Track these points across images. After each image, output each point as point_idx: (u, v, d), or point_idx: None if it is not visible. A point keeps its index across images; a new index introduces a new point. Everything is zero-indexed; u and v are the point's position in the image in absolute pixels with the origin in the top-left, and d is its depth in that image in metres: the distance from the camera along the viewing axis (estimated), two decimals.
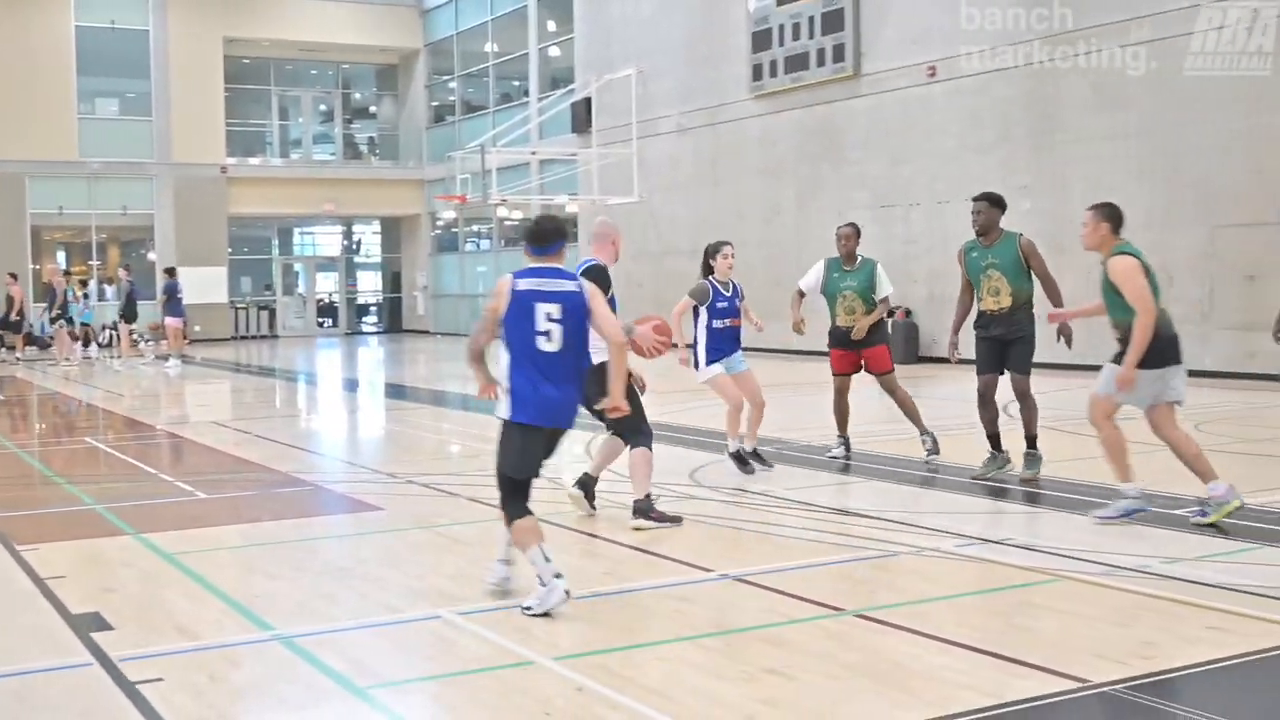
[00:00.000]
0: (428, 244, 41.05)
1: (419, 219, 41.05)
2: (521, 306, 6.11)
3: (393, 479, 10.71)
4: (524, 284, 6.17)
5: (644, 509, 8.25)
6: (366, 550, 7.85)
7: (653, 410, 14.66)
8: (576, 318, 6.15)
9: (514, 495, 6.26)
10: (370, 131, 43.00)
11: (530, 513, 6.24)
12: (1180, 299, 17.55)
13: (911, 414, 10.98)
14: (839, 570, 6.95)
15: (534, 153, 31.85)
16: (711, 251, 10.29)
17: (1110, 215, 8.13)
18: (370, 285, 43.86)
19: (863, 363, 10.99)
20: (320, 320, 41.13)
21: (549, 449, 6.37)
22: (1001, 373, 9.89)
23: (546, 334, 6.11)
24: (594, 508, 8.73)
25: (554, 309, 6.12)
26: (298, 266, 42.15)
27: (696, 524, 8.40)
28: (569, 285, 6.21)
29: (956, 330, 10.10)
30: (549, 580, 6.07)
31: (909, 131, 23.00)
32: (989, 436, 10.03)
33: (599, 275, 7.93)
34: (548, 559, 6.08)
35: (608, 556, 7.50)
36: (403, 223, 42.01)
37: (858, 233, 11.13)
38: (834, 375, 11.20)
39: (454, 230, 40.26)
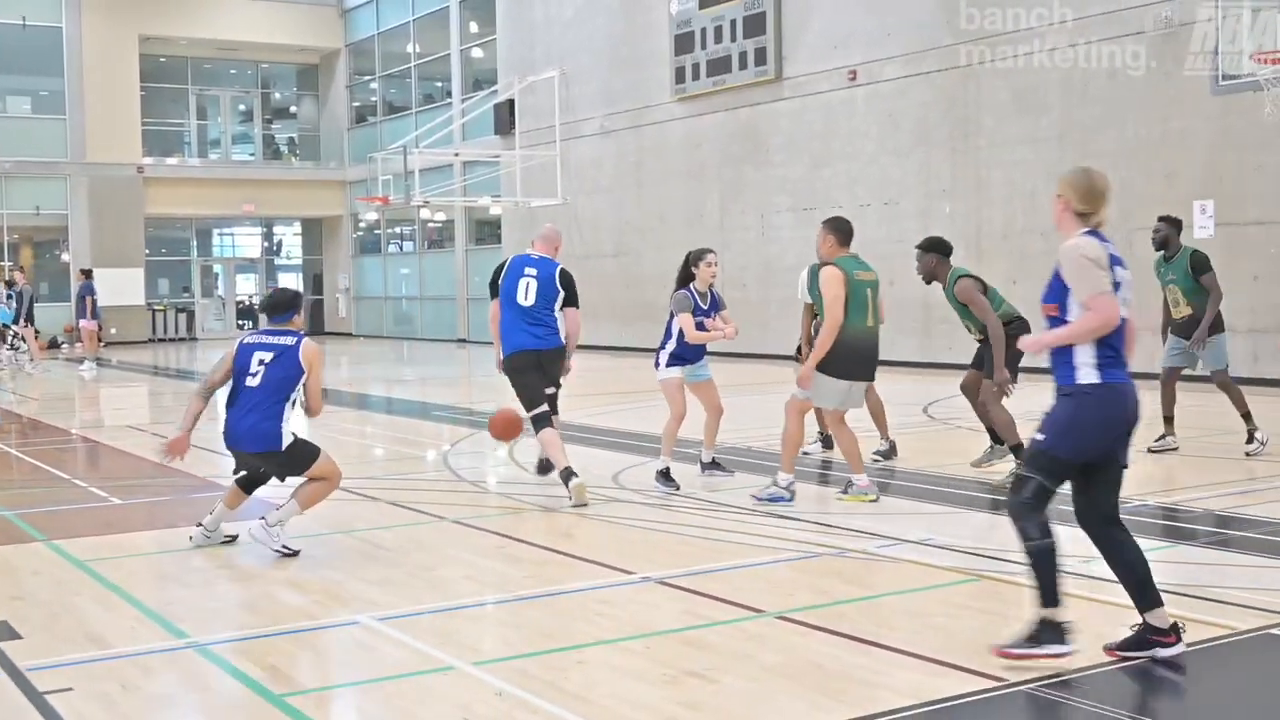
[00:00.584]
0: (350, 245, 40.76)
1: (340, 220, 40.75)
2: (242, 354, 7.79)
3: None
4: (249, 339, 7.86)
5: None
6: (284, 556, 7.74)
7: (577, 414, 14.64)
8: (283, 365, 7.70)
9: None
10: (291, 132, 42.65)
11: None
12: None
13: (879, 419, 11.14)
14: (759, 572, 6.97)
15: (457, 154, 31.72)
16: (694, 259, 9.94)
17: (835, 228, 9.02)
18: (291, 287, 43.54)
19: None
20: (240, 322, 40.68)
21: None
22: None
23: (255, 374, 7.69)
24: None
25: (267, 355, 7.73)
26: (217, 268, 41.75)
27: (618, 526, 8.38)
28: (288, 340, 7.81)
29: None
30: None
31: (831, 135, 23.14)
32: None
33: (568, 277, 9.64)
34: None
35: (529, 560, 7.47)
36: (324, 224, 41.70)
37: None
38: None
39: (376, 232, 40.02)
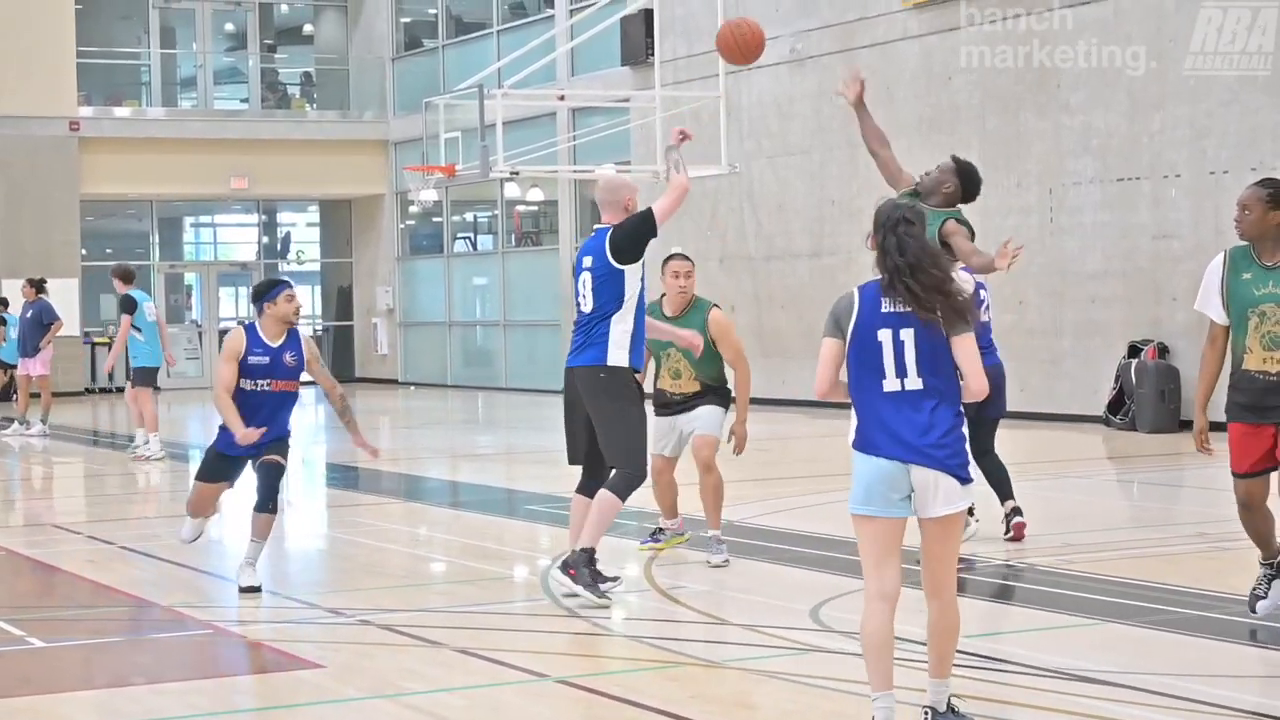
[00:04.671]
0: (395, 242, 41.16)
1: (380, 203, 41.13)
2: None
3: (337, 618, 10.72)
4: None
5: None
6: None
7: (747, 507, 14.68)
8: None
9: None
10: (303, 65, 43.15)
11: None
12: None
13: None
14: None
15: (562, 96, 31.87)
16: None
17: None
18: (304, 307, 44.03)
19: None
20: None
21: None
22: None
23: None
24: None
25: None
26: (190, 277, 42.28)
27: (811, 689, 8.34)
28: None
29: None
30: None
31: (1165, 59, 22.89)
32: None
33: (621, 232, 10.53)
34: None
35: None
36: (354, 209, 42.28)
37: None
38: None
39: (436, 220, 40.42)
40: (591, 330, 10.59)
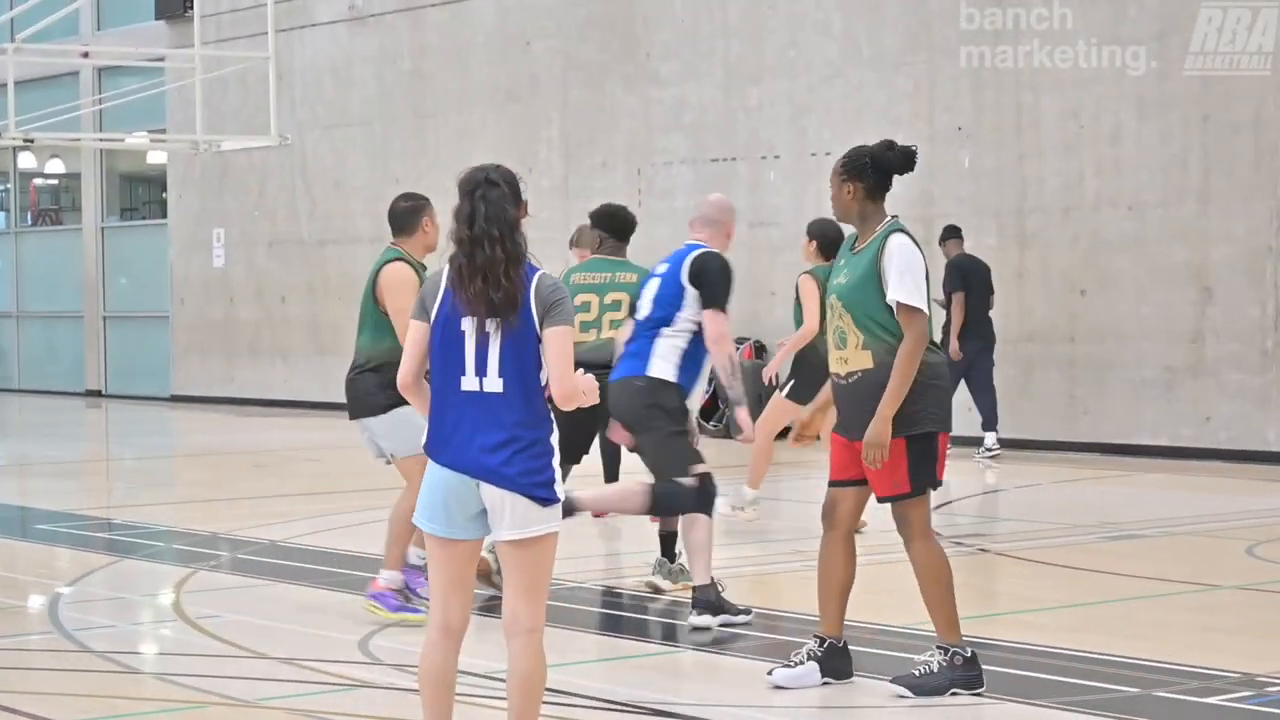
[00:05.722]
0: None
1: None
2: None
3: None
4: None
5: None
6: None
7: None
8: None
9: None
10: None
11: None
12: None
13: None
14: None
15: (86, 54, 31.33)
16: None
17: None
18: None
19: None
20: None
21: None
22: None
23: None
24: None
25: None
26: None
27: None
28: None
29: None
30: None
31: (760, 31, 23.36)
32: None
33: (698, 264, 10.99)
34: None
35: None
36: None
37: None
38: None
39: None
40: (640, 336, 11.05)
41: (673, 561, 11.83)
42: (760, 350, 22.86)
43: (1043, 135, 21.15)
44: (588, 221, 13.66)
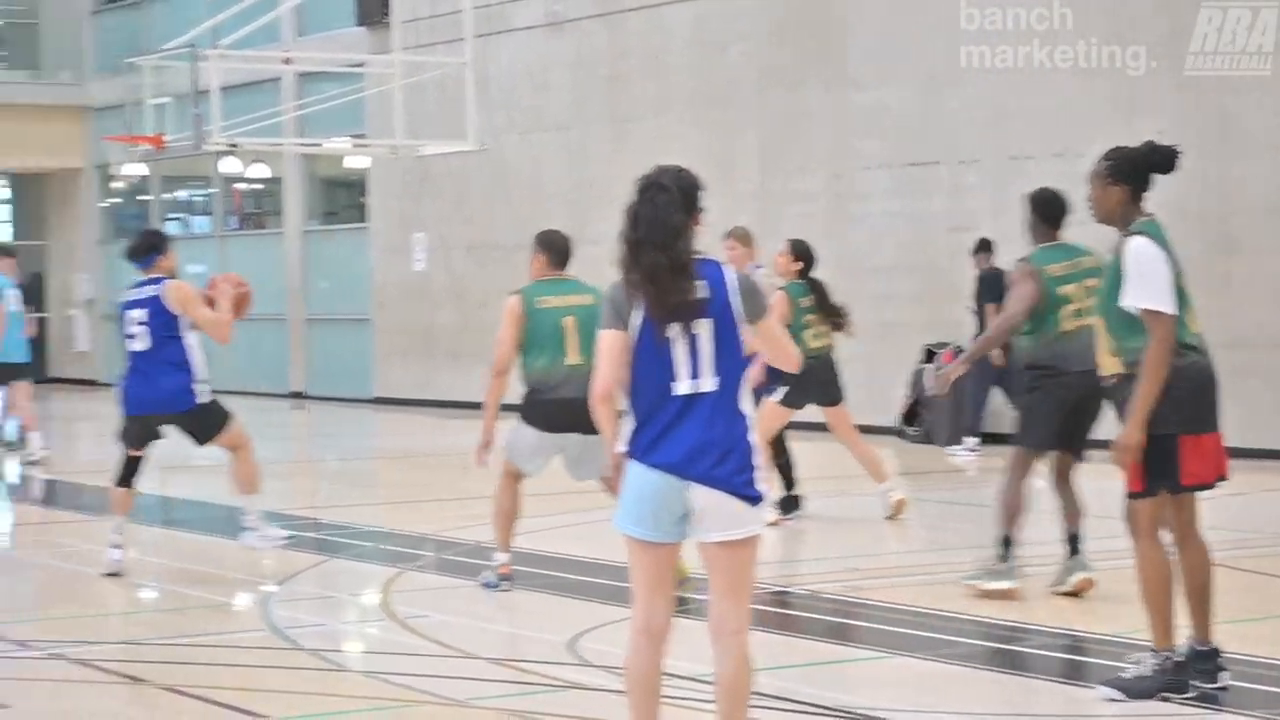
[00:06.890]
0: (95, 223, 40.68)
1: (78, 178, 40.66)
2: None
3: (24, 650, 10.62)
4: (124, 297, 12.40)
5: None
6: None
7: None
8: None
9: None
10: None
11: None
12: None
13: None
14: None
15: (287, 60, 31.65)
16: None
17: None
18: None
19: None
20: None
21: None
22: None
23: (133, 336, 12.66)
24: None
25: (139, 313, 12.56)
26: None
27: None
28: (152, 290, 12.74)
29: None
30: None
31: (954, 36, 23.28)
32: None
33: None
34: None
35: None
36: (46, 185, 41.79)
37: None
38: None
39: (143, 198, 40.05)
40: None
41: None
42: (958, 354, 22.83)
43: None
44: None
